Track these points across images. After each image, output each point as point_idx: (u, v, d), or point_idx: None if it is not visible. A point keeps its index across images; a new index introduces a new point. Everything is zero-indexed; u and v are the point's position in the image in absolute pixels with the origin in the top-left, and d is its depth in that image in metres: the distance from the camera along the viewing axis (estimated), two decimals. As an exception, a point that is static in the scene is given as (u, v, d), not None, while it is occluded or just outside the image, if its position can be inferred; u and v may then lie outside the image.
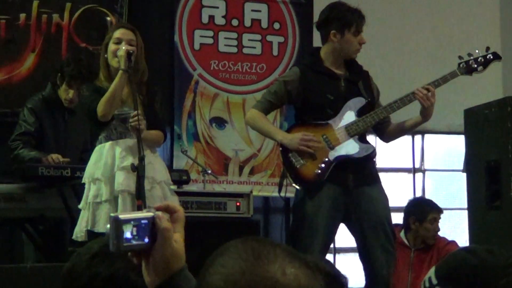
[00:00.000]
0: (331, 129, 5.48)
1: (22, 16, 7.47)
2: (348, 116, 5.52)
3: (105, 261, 2.22)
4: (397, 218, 6.99)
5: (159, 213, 1.83)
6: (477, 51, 5.53)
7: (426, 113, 5.41)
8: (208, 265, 1.45)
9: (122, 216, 1.84)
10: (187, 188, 6.75)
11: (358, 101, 5.49)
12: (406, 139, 8.82)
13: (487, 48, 5.57)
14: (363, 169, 5.49)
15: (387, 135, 5.72)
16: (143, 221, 1.84)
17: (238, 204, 6.86)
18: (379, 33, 7.78)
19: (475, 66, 5.52)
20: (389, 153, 8.69)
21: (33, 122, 6.53)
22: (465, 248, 3.36)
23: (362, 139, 5.49)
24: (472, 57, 5.56)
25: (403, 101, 5.40)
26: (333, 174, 5.36)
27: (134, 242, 1.82)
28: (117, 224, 1.81)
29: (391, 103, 5.40)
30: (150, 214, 1.84)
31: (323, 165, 5.39)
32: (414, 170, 9.01)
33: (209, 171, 7.42)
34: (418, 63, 8.87)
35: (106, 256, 2.21)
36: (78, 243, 5.24)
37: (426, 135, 8.95)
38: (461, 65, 5.52)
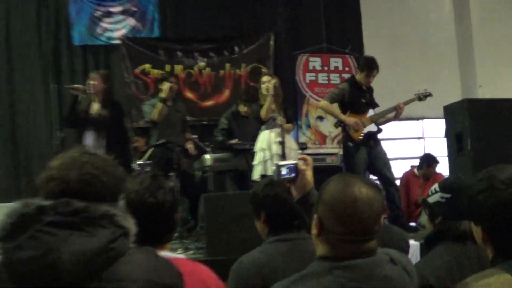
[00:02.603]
0: (364, 117, 7.83)
1: (222, 71, 11.35)
2: (370, 112, 7.93)
3: (271, 187, 3.24)
4: (407, 163, 10.57)
5: (300, 161, 2.85)
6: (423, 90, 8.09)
7: (398, 116, 7.96)
8: (322, 188, 2.26)
9: (280, 163, 2.88)
10: (305, 152, 9.00)
11: (375, 106, 8.01)
12: (414, 122, 12.27)
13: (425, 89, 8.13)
14: (376, 137, 7.88)
15: (380, 123, 8.04)
16: (291, 165, 2.85)
17: (332, 159, 9.63)
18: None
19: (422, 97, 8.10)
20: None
21: (226, 124, 8.66)
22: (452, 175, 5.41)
23: (377, 123, 7.91)
24: (420, 92, 8.12)
25: (389, 110, 7.91)
26: (364, 140, 7.73)
27: (286, 176, 2.84)
28: (278, 167, 2.83)
29: (387, 109, 7.92)
30: (295, 161, 2.86)
31: (362, 135, 7.70)
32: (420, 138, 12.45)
33: (317, 143, 11.24)
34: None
35: (272, 184, 3.25)
36: (255, 181, 6.90)
37: (424, 120, 12.35)
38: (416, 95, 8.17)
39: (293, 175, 2.85)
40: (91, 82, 7.43)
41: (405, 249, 4.25)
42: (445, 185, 3.23)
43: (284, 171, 2.85)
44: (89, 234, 1.86)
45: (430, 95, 8.17)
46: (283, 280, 2.22)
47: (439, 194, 3.21)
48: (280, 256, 3.05)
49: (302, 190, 2.83)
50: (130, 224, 2.01)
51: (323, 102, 8.00)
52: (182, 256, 2.95)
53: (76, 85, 7.67)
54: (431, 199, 3.27)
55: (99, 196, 2.00)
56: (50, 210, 1.88)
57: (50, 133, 9.80)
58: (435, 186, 3.27)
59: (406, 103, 7.97)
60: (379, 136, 8.04)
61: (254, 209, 3.32)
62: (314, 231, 2.23)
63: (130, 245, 2.01)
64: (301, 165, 2.84)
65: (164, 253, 2.72)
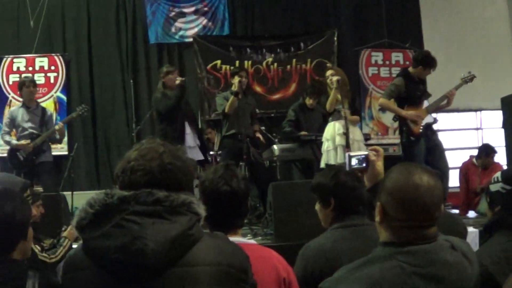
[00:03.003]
0: (420, 109, 7.71)
1: (288, 66, 11.58)
2: (425, 103, 7.81)
3: (339, 175, 3.21)
4: (466, 153, 10.29)
5: (371, 152, 2.92)
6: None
7: (450, 103, 7.77)
8: (384, 177, 2.29)
9: (352, 154, 2.98)
10: (368, 142, 8.67)
11: (428, 96, 7.88)
12: (472, 113, 12.18)
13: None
14: (432, 128, 7.83)
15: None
16: (362, 156, 2.92)
17: (394, 149, 10.38)
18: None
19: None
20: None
21: (293, 116, 8.70)
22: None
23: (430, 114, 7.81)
24: (466, 76, 7.84)
25: (442, 98, 7.76)
26: (423, 132, 7.66)
27: (357, 166, 2.93)
28: (349, 157, 2.96)
29: (440, 98, 7.78)
30: (366, 152, 2.94)
31: (421, 127, 7.63)
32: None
33: (379, 134, 11.46)
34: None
35: (339, 173, 3.24)
36: (321, 169, 6.96)
37: (482, 111, 12.10)
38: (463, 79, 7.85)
39: (364, 165, 2.92)
40: (171, 76, 7.56)
41: (464, 235, 4.21)
42: (508, 176, 3.15)
43: (354, 162, 2.94)
44: (171, 222, 1.93)
45: (474, 77, 7.91)
46: (348, 265, 2.22)
47: (500, 184, 3.13)
48: (344, 241, 3.05)
49: (373, 180, 2.89)
50: (202, 210, 2.05)
51: (382, 100, 7.92)
52: (253, 241, 2.96)
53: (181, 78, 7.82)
54: (492, 187, 3.18)
55: (178, 184, 2.06)
56: (131, 200, 1.94)
57: (127, 126, 10.03)
58: (498, 174, 3.20)
59: (456, 88, 7.80)
60: (436, 126, 8.00)
61: (322, 197, 3.30)
62: (377, 218, 2.23)
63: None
64: (372, 156, 2.91)
65: (237, 239, 2.77)
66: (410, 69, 7.90)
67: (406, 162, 2.31)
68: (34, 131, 8.12)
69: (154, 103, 8.01)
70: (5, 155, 8.38)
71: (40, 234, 4.68)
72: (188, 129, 7.64)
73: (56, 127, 8.15)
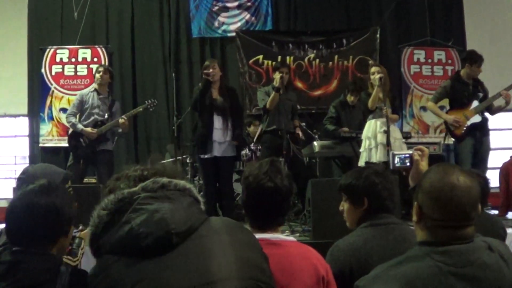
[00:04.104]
0: (467, 110, 7.83)
1: (330, 63, 11.59)
2: (474, 103, 7.85)
3: (370, 176, 3.19)
4: (507, 153, 9.93)
5: (415, 152, 2.93)
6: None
7: (508, 103, 7.73)
8: (421, 177, 2.31)
9: (396, 152, 3.04)
10: (409, 141, 8.49)
11: (479, 96, 7.85)
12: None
13: None
14: (482, 128, 7.82)
15: (492, 113, 8.02)
16: (405, 155, 2.98)
17: (434, 148, 9.42)
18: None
19: None
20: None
21: (334, 112, 8.77)
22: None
23: (482, 113, 7.82)
24: None
25: (492, 98, 7.78)
26: (470, 132, 7.74)
27: (400, 165, 3.00)
28: (393, 156, 3.00)
29: (490, 98, 7.80)
30: (410, 151, 2.96)
31: (464, 129, 7.75)
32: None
33: (420, 132, 11.30)
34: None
35: (371, 172, 3.21)
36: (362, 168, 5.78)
37: None
38: None
39: (407, 164, 2.96)
40: (211, 70, 7.49)
41: (504, 236, 4.22)
42: None
43: (396, 160, 2.99)
44: (178, 201, 2.07)
45: None
46: (384, 263, 2.24)
47: None
48: (374, 240, 3.05)
49: (416, 179, 2.87)
50: (200, 198, 2.20)
51: (429, 103, 8.23)
52: (292, 238, 2.98)
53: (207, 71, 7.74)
54: None
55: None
56: (140, 190, 2.08)
57: (168, 119, 10.12)
58: None
59: (507, 89, 7.75)
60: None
61: (353, 197, 3.27)
62: (414, 217, 2.25)
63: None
64: (416, 156, 2.92)
65: (277, 236, 2.83)
66: (462, 70, 8.02)
67: (443, 162, 2.28)
68: (99, 118, 8.22)
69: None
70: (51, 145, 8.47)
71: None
72: (218, 124, 7.52)
73: (121, 120, 8.17)
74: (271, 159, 3.03)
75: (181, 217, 2.01)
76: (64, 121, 10.35)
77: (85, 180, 8.49)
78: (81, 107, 8.27)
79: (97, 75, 8.28)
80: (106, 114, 8.22)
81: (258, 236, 2.42)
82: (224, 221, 2.21)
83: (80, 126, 8.11)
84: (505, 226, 4.45)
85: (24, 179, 3.42)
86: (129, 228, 1.97)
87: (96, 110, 8.22)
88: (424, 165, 2.90)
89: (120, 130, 8.44)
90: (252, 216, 2.90)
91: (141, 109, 8.69)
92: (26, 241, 2.51)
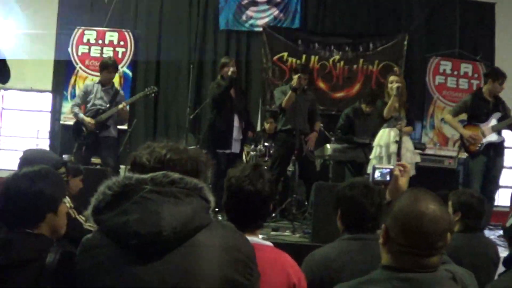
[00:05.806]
0: (485, 127, 7.81)
1: (355, 66, 11.45)
2: (493, 121, 7.81)
3: (350, 188, 3.31)
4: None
5: (397, 167, 2.87)
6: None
7: None
8: (396, 199, 2.33)
9: (377, 166, 2.98)
10: (424, 152, 9.25)
11: (498, 114, 7.84)
12: None
13: None
14: (498, 148, 7.82)
15: None
16: (386, 170, 2.94)
17: (450, 161, 9.99)
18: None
19: None
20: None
21: (344, 121, 9.05)
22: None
23: (499, 133, 7.80)
24: None
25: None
26: (484, 150, 7.74)
27: (379, 179, 2.94)
28: (374, 169, 2.95)
29: (510, 119, 7.75)
30: (391, 166, 2.92)
31: (479, 145, 7.74)
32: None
33: (438, 144, 11.17)
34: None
35: (352, 186, 3.32)
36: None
37: None
38: None
39: (387, 179, 2.90)
40: (226, 68, 7.59)
41: (496, 261, 4.19)
42: None
43: (377, 174, 2.93)
44: (184, 202, 2.06)
45: None
46: (347, 282, 2.26)
47: None
48: (350, 253, 3.09)
49: (394, 195, 2.83)
50: (212, 198, 2.17)
51: (447, 116, 8.25)
52: (269, 243, 2.97)
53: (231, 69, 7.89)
54: (508, 223, 3.17)
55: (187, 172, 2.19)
56: (149, 181, 2.07)
57: (188, 108, 10.18)
58: None
59: None
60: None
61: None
62: (380, 240, 2.25)
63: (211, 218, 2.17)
64: (396, 171, 2.85)
65: (253, 238, 2.81)
66: (484, 87, 8.01)
67: (418, 187, 2.25)
68: (101, 107, 8.41)
69: (209, 92, 8.17)
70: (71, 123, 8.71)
71: (82, 207, 4.76)
72: (236, 122, 7.70)
73: (120, 106, 8.38)
74: (256, 163, 3.12)
75: (179, 221, 2.01)
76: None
77: (92, 160, 8.68)
78: (85, 98, 8.51)
79: (107, 75, 8.54)
80: (108, 104, 8.42)
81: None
82: (226, 231, 2.19)
83: (81, 115, 8.37)
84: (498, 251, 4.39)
85: (21, 162, 3.58)
86: (125, 220, 2.00)
87: (99, 102, 8.44)
88: (403, 181, 2.84)
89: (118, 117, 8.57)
90: (231, 218, 2.93)
91: (141, 95, 8.80)
92: (15, 222, 2.61)
